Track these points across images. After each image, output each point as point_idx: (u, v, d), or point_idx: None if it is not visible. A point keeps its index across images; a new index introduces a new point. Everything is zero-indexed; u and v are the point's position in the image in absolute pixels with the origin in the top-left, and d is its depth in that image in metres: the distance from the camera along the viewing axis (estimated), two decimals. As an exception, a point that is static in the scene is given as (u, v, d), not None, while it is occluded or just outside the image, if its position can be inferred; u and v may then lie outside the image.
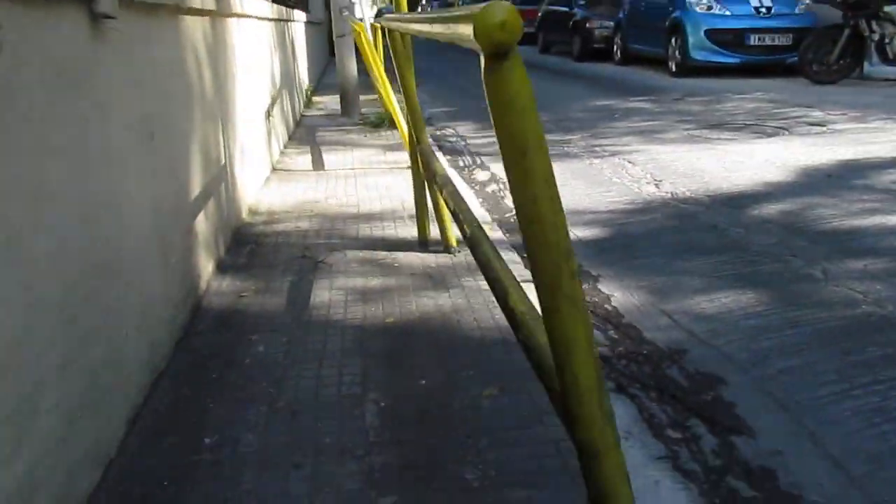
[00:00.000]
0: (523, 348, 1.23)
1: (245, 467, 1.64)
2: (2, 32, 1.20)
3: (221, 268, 2.98)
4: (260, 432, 1.78)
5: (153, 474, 1.62)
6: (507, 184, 4.37)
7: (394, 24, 2.52)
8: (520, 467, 1.60)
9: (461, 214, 1.98)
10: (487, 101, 0.88)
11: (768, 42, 9.23)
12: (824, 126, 5.67)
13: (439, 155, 4.82)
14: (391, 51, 2.98)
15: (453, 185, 2.34)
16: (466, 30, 0.88)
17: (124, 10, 1.86)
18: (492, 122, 0.89)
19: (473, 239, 1.79)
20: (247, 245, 3.31)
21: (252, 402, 1.93)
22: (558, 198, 0.89)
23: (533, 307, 1.32)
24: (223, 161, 3.23)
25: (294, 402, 1.92)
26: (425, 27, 1.30)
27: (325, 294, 2.67)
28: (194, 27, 2.85)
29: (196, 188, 2.67)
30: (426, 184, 3.08)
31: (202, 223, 2.73)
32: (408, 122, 3.09)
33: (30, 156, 1.34)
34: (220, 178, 3.14)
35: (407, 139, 5.02)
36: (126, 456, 1.69)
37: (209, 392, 1.98)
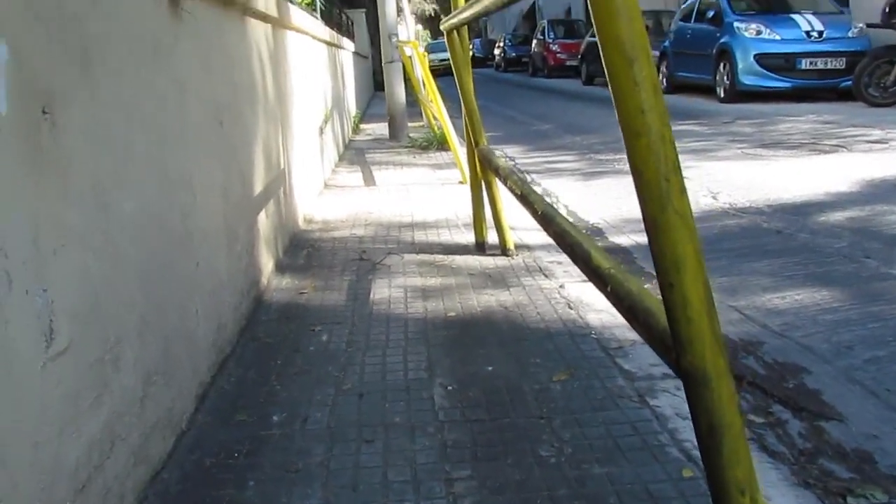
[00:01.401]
0: (612, 299, 1.19)
1: (315, 441, 1.61)
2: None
3: (280, 267, 2.99)
4: (328, 411, 1.76)
5: (224, 446, 1.61)
6: (559, 196, 4.33)
7: (458, 18, 2.53)
8: (597, 445, 1.55)
9: (530, 196, 1.95)
10: (591, 10, 0.86)
11: (820, 66, 9.09)
12: (886, 143, 5.53)
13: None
14: (450, 56, 3.00)
15: (518, 175, 2.32)
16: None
17: (200, -4, 1.90)
18: (595, 31, 0.87)
19: (546, 215, 1.76)
20: (304, 249, 3.32)
21: (318, 384, 1.91)
22: (666, 110, 0.87)
23: (616, 263, 1.28)
24: (282, 165, 3.27)
25: (360, 385, 1.90)
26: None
27: (385, 291, 2.66)
28: (258, 31, 2.91)
29: (258, 185, 2.70)
30: (485, 185, 3.06)
31: (263, 221, 2.75)
32: (465, 125, 3.09)
33: (118, 116, 1.36)
34: (279, 182, 3.17)
35: (456, 154, 5.05)
36: (196, 429, 1.68)
37: (275, 375, 1.97)
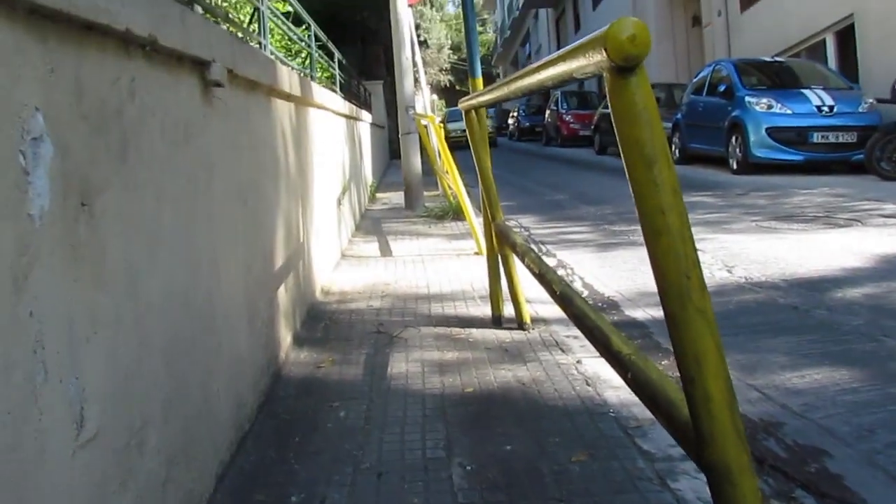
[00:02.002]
0: (632, 386, 1.20)
1: (333, 523, 1.61)
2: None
3: (298, 340, 3.01)
4: (347, 492, 1.75)
5: (241, 527, 1.60)
6: (574, 268, 4.35)
7: (476, 101, 2.61)
8: (618, 531, 1.53)
9: (548, 275, 1.98)
10: (612, 116, 0.90)
11: (832, 140, 9.18)
12: (899, 218, 5.55)
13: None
14: (468, 134, 3.08)
15: (535, 253, 2.36)
16: (593, 54, 0.92)
17: (229, 82, 1.98)
18: (616, 136, 0.91)
19: (564, 296, 1.78)
20: (321, 321, 3.35)
21: (337, 463, 1.90)
22: (685, 209, 0.90)
23: (637, 349, 1.30)
24: (301, 238, 3.33)
25: (379, 463, 1.89)
26: (533, 78, 1.35)
27: (402, 366, 2.66)
28: (282, 110, 3.01)
29: (279, 260, 2.74)
30: (501, 259, 3.10)
31: (282, 295, 2.79)
32: (482, 200, 3.15)
33: (150, 200, 1.41)
34: (299, 255, 3.23)
35: (472, 224, 5.11)
36: (214, 508, 1.68)
37: (293, 453, 1.97)
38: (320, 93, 4.13)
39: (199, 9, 2.16)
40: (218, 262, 1.89)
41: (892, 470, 1.78)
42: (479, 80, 3.17)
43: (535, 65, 1.30)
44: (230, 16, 4.57)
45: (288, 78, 2.93)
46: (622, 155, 0.92)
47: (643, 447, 1.91)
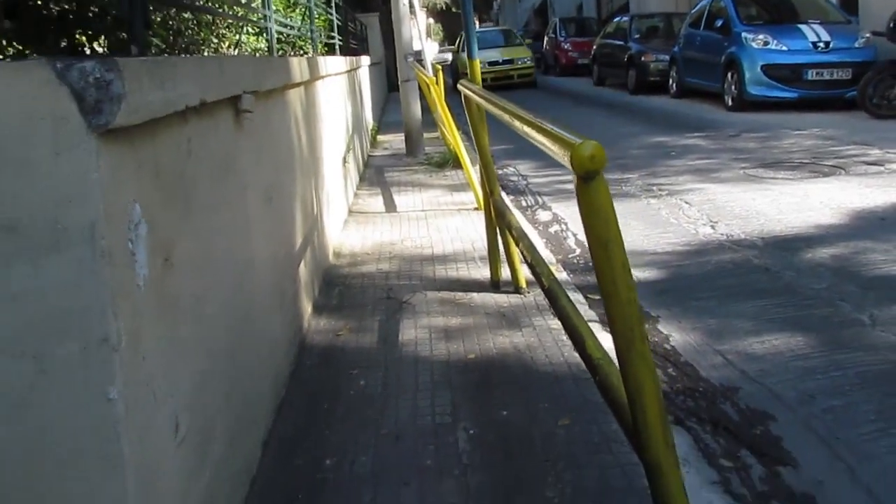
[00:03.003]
0: (599, 388, 1.53)
1: (363, 485, 1.97)
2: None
3: (317, 308, 3.35)
4: (371, 455, 2.11)
5: (287, 489, 1.97)
6: (568, 223, 4.64)
7: (473, 95, 2.86)
8: (592, 487, 1.89)
9: (538, 268, 2.29)
10: (579, 208, 1.20)
11: (827, 77, 9.32)
12: (882, 166, 5.80)
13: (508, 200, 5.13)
14: (467, 115, 3.33)
15: (529, 239, 2.66)
16: (564, 153, 1.20)
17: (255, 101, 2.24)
18: (583, 224, 1.20)
19: (552, 293, 2.09)
20: (335, 287, 3.68)
21: (361, 428, 2.26)
22: (632, 280, 1.20)
23: (606, 354, 1.62)
24: (315, 211, 3.62)
25: (396, 428, 2.25)
26: (527, 128, 1.62)
27: (412, 332, 3.01)
28: (294, 97, 3.26)
29: (298, 239, 3.05)
30: (498, 230, 3.40)
31: (303, 270, 3.11)
32: (481, 177, 3.43)
33: (206, 233, 1.71)
34: (314, 228, 3.53)
35: (471, 178, 5.38)
36: (264, 474, 2.04)
37: (323, 419, 2.33)
38: (325, 64, 4.34)
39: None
40: (254, 262, 2.20)
41: (823, 433, 2.13)
42: (477, 63, 3.39)
43: (526, 117, 1.58)
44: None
45: (299, 69, 3.17)
46: (586, 235, 1.21)
47: (619, 412, 2.26)
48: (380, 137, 10.08)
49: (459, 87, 3.35)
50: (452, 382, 2.54)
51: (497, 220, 3.30)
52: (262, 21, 4.12)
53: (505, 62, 17.66)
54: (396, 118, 11.23)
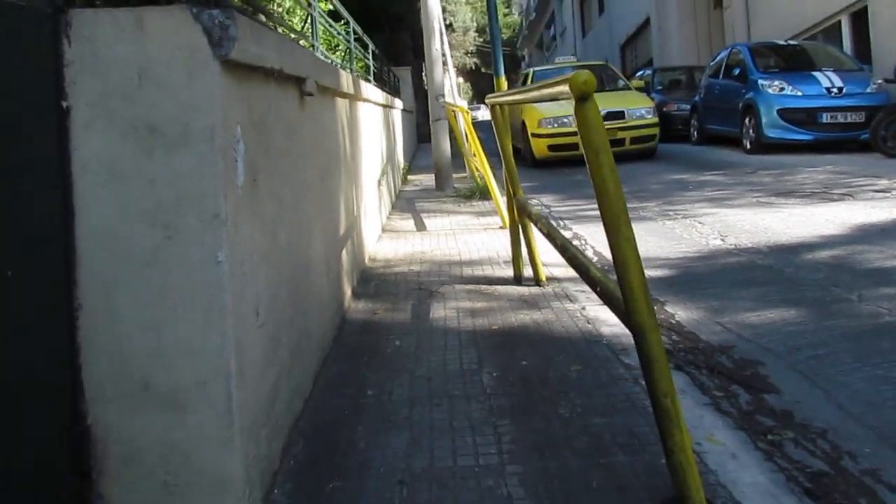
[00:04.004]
0: (599, 295, 1.86)
1: (400, 406, 2.29)
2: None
3: (356, 295, 3.70)
4: (406, 388, 2.43)
5: (336, 407, 2.29)
6: (587, 239, 4.99)
7: (500, 100, 3.26)
8: (599, 406, 2.19)
9: (554, 234, 2.63)
10: (577, 126, 1.55)
11: (841, 120, 9.66)
12: (889, 192, 6.08)
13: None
14: (493, 123, 3.73)
15: (546, 219, 3.01)
16: (564, 87, 1.57)
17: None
18: (580, 137, 1.56)
19: (563, 247, 2.43)
20: (371, 281, 4.03)
21: (397, 372, 2.59)
22: (619, 183, 1.55)
23: (604, 273, 1.95)
24: (355, 212, 4.01)
25: (428, 372, 2.57)
26: (533, 93, 2.00)
27: (442, 311, 3.34)
28: (341, 107, 3.68)
29: (342, 227, 3.43)
30: (521, 229, 3.75)
31: (344, 257, 3.48)
32: (505, 179, 3.80)
33: (278, 179, 2.09)
34: (354, 227, 3.91)
35: (497, 202, 5.76)
36: (316, 396, 2.37)
37: (364, 367, 2.66)
38: (366, 88, 4.80)
39: (262, 17, 2.84)
40: (311, 224, 2.57)
41: (806, 372, 2.42)
42: (503, 80, 3.81)
43: (535, 85, 1.95)
44: (284, 19, 5.26)
45: (346, 80, 3.60)
46: (583, 146, 1.56)
47: (625, 361, 2.57)
48: (410, 176, 10.55)
49: (487, 99, 3.76)
50: (478, 343, 2.87)
51: (519, 215, 3.66)
52: (311, 49, 4.60)
53: (610, 116, 10.38)
54: (425, 163, 11.75)
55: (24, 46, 1.41)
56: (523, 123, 10.89)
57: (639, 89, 12.60)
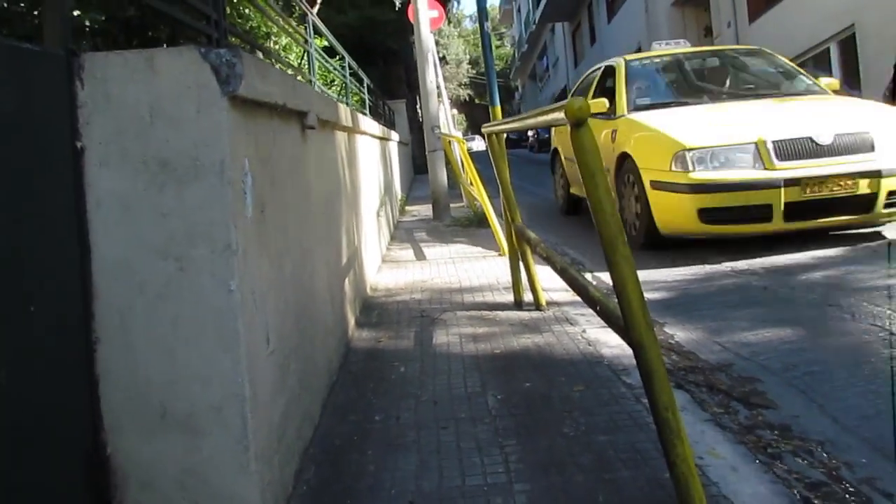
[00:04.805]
0: (600, 312, 1.91)
1: (407, 429, 2.33)
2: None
3: (359, 324, 3.75)
4: (413, 412, 2.47)
5: (344, 432, 2.33)
6: (586, 264, 5.03)
7: (496, 129, 3.34)
8: (602, 424, 2.23)
9: (552, 257, 2.69)
10: (573, 147, 1.62)
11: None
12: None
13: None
14: (490, 150, 3.81)
15: (545, 244, 3.07)
16: (559, 114, 1.64)
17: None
18: (575, 158, 1.63)
19: (563, 269, 2.49)
20: (374, 310, 4.08)
21: (403, 397, 2.63)
22: (614, 203, 1.61)
23: (604, 293, 2.01)
24: (356, 243, 4.07)
25: (433, 396, 2.61)
26: (529, 121, 2.08)
27: (444, 337, 3.39)
28: (340, 139, 3.77)
29: (344, 258, 3.49)
30: (520, 255, 3.81)
31: (347, 286, 3.53)
32: (503, 206, 3.87)
33: (282, 209, 2.16)
34: (356, 257, 3.97)
35: (495, 229, 5.83)
36: (325, 422, 2.41)
37: (371, 393, 2.70)
38: (364, 121, 4.89)
39: (259, 54, 2.93)
40: (315, 254, 2.63)
41: (802, 387, 2.46)
42: (498, 109, 3.90)
43: (531, 112, 2.03)
44: (282, 56, 5.38)
45: (345, 113, 3.69)
46: (578, 168, 1.63)
47: (626, 381, 2.61)
48: (408, 207, 10.64)
49: (483, 129, 3.84)
50: (481, 367, 2.91)
51: (518, 241, 3.72)
52: (308, 83, 4.70)
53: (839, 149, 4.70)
54: (422, 193, 11.85)
55: (39, 89, 1.48)
56: (623, 161, 5.55)
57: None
